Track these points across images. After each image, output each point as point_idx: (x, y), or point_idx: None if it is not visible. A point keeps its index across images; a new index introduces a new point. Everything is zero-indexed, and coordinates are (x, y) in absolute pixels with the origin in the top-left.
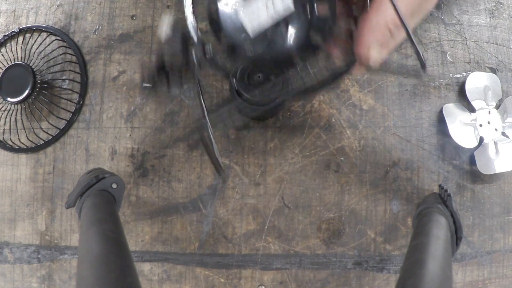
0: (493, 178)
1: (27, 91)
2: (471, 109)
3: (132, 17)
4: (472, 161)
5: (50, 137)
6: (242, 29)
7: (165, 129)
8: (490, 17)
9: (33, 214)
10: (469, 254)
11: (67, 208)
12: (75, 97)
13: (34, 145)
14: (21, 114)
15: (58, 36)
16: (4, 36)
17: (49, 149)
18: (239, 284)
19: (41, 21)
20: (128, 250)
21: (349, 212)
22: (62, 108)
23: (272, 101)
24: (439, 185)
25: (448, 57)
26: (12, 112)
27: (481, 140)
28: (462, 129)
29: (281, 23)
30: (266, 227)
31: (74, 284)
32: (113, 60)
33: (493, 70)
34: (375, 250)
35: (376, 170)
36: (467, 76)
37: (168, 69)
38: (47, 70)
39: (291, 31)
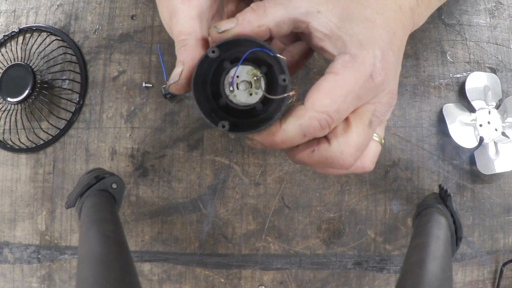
0: (493, 178)
1: (27, 91)
2: (471, 109)
3: (132, 17)
4: (472, 161)
5: (50, 137)
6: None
7: (165, 129)
8: (490, 17)
9: (33, 214)
10: (469, 254)
11: (67, 208)
12: (75, 97)
13: (34, 145)
14: (21, 114)
15: (58, 36)
16: (4, 36)
17: (49, 149)
18: (239, 284)
19: (41, 21)
20: (128, 250)
21: (349, 212)
22: (62, 108)
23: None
24: (439, 185)
25: (448, 57)
26: (12, 112)
27: (481, 140)
28: (462, 129)
29: None
30: (266, 227)
31: (74, 284)
32: (113, 60)
33: (493, 70)
34: (375, 250)
35: (376, 170)
36: (467, 76)
37: None
38: (47, 70)
39: None
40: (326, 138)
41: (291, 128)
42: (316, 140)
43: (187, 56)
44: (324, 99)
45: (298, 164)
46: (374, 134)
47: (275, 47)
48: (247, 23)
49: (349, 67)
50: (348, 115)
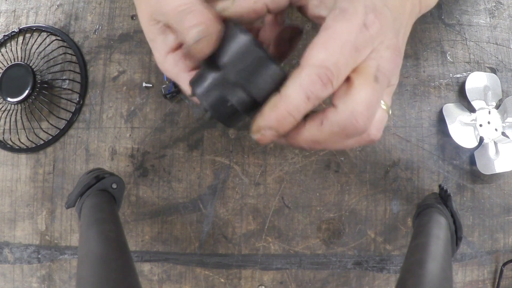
0: (493, 178)
1: (27, 91)
2: (471, 109)
3: (132, 17)
4: (472, 161)
5: (50, 137)
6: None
7: (165, 129)
8: (490, 17)
9: (33, 214)
10: (469, 254)
11: (67, 208)
12: (75, 97)
13: (34, 145)
14: (21, 114)
15: (58, 36)
16: (4, 36)
17: (49, 149)
18: (239, 284)
19: (41, 21)
20: (128, 250)
21: (349, 212)
22: (62, 108)
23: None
24: (439, 185)
25: (448, 57)
26: (12, 112)
27: (481, 140)
28: (462, 129)
29: None
30: (266, 227)
31: (74, 284)
32: (113, 60)
33: (493, 70)
34: (375, 250)
35: (376, 170)
36: (467, 76)
37: None
38: (47, 70)
39: None
40: (331, 105)
41: (291, 92)
42: (321, 111)
43: (201, 18)
44: (320, 53)
45: (312, 148)
46: (381, 101)
47: (266, 37)
48: (244, 0)
49: (339, 19)
50: (349, 73)
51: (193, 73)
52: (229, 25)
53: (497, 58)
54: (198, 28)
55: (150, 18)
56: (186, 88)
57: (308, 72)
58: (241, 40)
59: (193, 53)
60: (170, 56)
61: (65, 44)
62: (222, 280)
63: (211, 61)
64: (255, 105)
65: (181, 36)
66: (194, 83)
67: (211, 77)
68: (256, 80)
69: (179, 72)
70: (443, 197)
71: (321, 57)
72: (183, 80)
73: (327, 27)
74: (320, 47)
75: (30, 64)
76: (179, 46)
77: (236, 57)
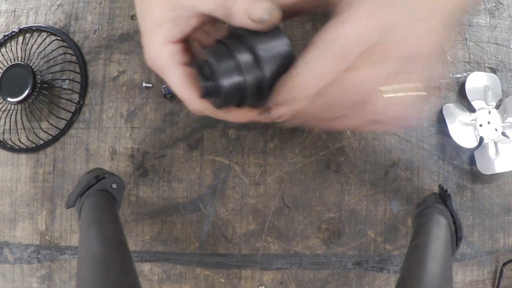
0: (493, 178)
1: (27, 91)
2: (471, 109)
3: (132, 17)
4: (472, 161)
5: (50, 137)
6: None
7: (165, 129)
8: (490, 17)
9: (33, 214)
10: (469, 254)
11: (67, 208)
12: (75, 97)
13: (34, 145)
14: (21, 114)
15: (58, 36)
16: (4, 36)
17: (49, 149)
18: (239, 284)
19: (41, 21)
20: (128, 250)
21: (349, 212)
22: (62, 108)
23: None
24: (439, 185)
25: (448, 57)
26: (12, 112)
27: (481, 140)
28: (462, 129)
29: None
30: (266, 227)
31: (74, 284)
32: (113, 60)
33: (493, 70)
34: (375, 250)
35: (376, 170)
36: (467, 76)
37: None
38: (47, 70)
39: None
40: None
41: (305, 70)
42: None
43: None
44: (331, 33)
45: (304, 124)
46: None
47: None
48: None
49: (352, 6)
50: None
51: (184, 67)
52: None
53: (497, 58)
54: (268, 2)
55: (169, 3)
56: (174, 80)
57: (319, 52)
58: (283, 39)
59: (265, 22)
60: (170, 46)
61: (65, 44)
62: (222, 280)
63: (235, 42)
64: (259, 92)
65: (237, 14)
66: (215, 55)
67: (241, 57)
68: (278, 73)
69: (172, 64)
70: (443, 197)
71: (333, 37)
72: (174, 72)
73: (340, 12)
74: (332, 29)
75: (30, 64)
76: (181, 40)
77: (273, 51)
